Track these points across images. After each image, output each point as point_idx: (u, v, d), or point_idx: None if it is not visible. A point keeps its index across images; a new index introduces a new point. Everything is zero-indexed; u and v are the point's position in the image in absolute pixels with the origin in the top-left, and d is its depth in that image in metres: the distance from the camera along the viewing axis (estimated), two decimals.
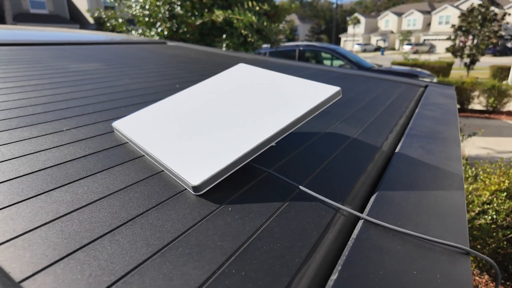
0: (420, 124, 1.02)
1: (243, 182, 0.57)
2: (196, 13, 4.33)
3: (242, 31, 3.75)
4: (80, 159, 0.61)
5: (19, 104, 0.88)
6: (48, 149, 0.64)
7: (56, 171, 0.55)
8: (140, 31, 4.90)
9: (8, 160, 0.58)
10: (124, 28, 5.18)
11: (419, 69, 6.72)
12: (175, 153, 0.59)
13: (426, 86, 1.72)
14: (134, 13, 4.72)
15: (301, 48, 6.95)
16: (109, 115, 0.86)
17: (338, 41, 46.50)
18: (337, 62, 6.90)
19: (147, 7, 4.35)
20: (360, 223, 0.48)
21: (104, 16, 4.82)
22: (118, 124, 0.73)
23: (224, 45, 3.92)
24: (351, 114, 1.06)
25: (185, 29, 4.04)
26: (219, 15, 3.74)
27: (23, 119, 0.77)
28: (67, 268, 0.35)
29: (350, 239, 0.45)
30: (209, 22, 3.99)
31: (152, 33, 4.64)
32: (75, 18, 20.80)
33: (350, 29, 46.55)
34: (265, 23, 3.91)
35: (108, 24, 5.30)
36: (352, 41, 44.05)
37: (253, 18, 3.60)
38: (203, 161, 0.56)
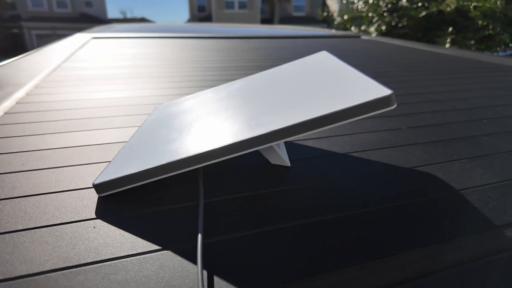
0: None
1: (172, 200, 0.42)
2: (426, 4, 3.70)
3: (479, 22, 2.85)
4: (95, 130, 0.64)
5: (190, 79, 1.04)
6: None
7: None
8: (363, 27, 4.78)
9: None
10: (349, 26, 5.21)
11: None
12: (137, 144, 0.51)
13: None
14: (359, 8, 4.63)
15: None
16: None
17: None
18: None
19: (370, 1, 4.13)
20: None
21: (332, 15, 5.01)
22: (157, 107, 0.72)
23: (449, 40, 3.15)
24: None
25: (405, 23, 3.55)
26: (449, 3, 3.01)
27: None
28: None
29: None
30: (436, 13, 3.30)
31: (372, 29, 4.40)
32: (325, 19, 23.00)
33: None
34: None
35: (336, 22, 5.49)
36: None
37: (498, 3, 2.66)
38: (130, 159, 0.45)
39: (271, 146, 0.50)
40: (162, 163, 0.41)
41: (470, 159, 0.55)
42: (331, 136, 0.63)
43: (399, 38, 3.96)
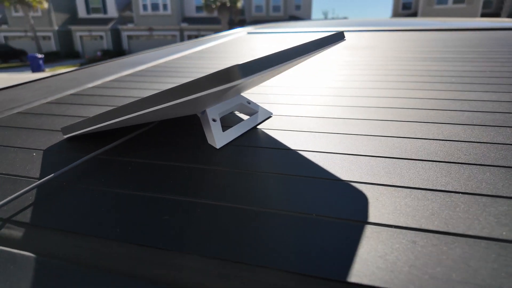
0: None
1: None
2: None
3: None
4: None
5: None
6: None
7: None
8: None
9: None
10: None
11: None
12: None
13: None
14: None
15: None
16: None
17: None
18: None
19: None
20: None
21: None
22: None
23: None
24: None
25: None
26: None
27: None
28: None
29: None
30: None
31: None
32: None
33: None
34: None
35: None
36: None
37: None
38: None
39: (207, 124, 0.50)
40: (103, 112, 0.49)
41: (442, 193, 0.36)
42: (302, 131, 0.54)
43: None
